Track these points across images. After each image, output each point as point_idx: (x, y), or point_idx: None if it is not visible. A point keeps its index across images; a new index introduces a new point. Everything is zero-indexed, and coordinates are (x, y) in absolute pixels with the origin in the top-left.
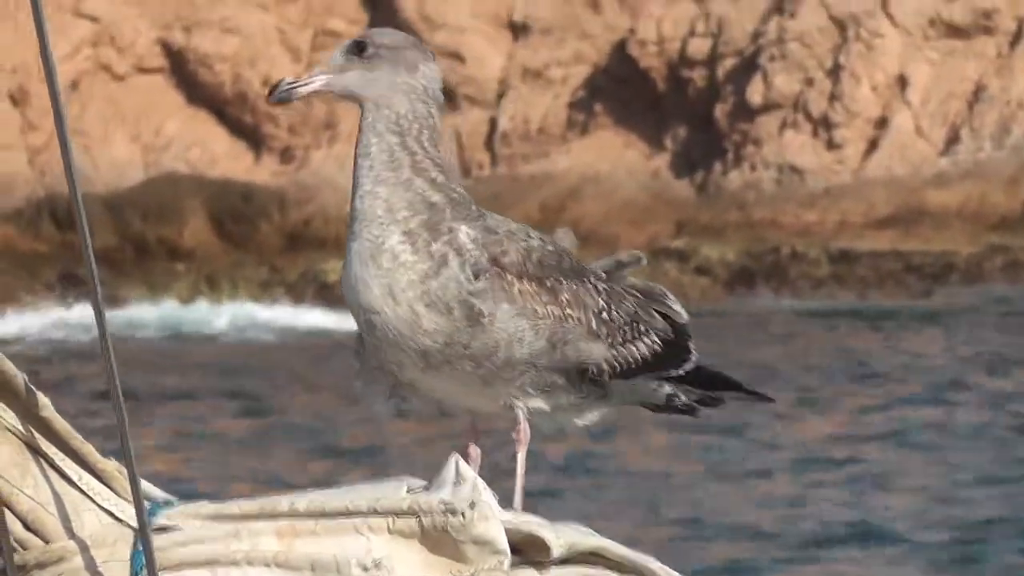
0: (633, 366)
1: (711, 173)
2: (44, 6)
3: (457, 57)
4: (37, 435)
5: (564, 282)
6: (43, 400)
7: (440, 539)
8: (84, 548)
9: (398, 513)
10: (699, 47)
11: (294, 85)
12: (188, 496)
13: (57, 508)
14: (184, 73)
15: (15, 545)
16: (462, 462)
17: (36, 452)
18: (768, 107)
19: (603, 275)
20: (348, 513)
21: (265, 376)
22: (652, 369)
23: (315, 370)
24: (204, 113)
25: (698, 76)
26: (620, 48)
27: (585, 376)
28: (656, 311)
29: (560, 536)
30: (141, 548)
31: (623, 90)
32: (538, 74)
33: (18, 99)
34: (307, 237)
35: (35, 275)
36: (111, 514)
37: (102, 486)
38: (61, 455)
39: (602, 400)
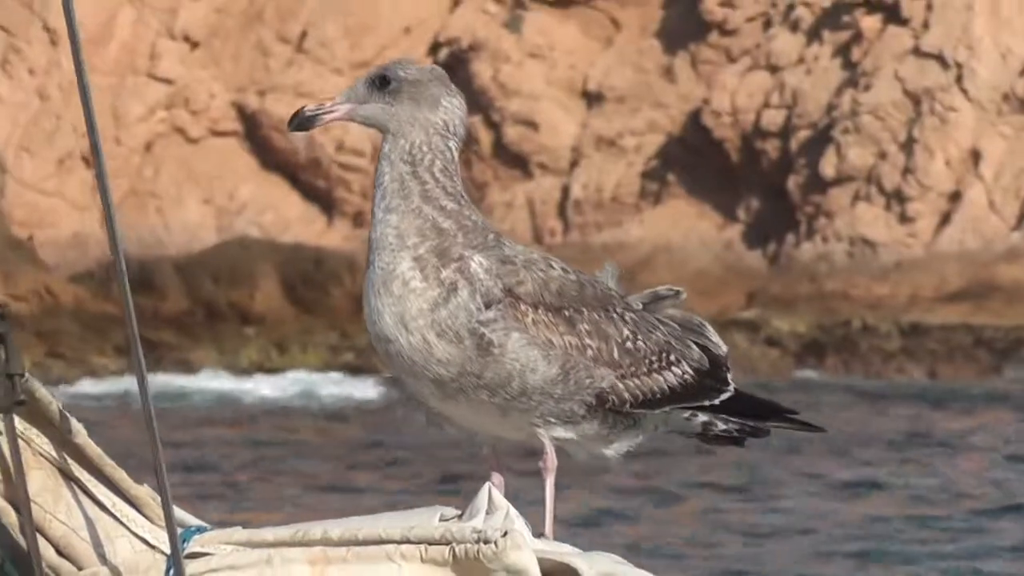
0: (659, 396)
1: (783, 244)
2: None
3: (531, 125)
4: (71, 461)
5: (584, 312)
6: (77, 426)
7: (473, 568)
8: (116, 574)
9: (431, 541)
10: (773, 118)
11: (316, 112)
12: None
13: (90, 534)
14: (258, 137)
15: (47, 571)
16: (495, 491)
17: (69, 478)
18: (841, 179)
19: (636, 306)
20: (381, 541)
21: (329, 447)
22: (682, 399)
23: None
24: (277, 177)
25: (771, 147)
26: (694, 118)
27: (604, 405)
28: (693, 342)
29: (593, 566)
30: (174, 574)
31: (696, 160)
32: (611, 143)
33: (90, 160)
34: None
35: (105, 337)
36: (144, 540)
37: (135, 512)
38: (94, 481)
39: (632, 429)
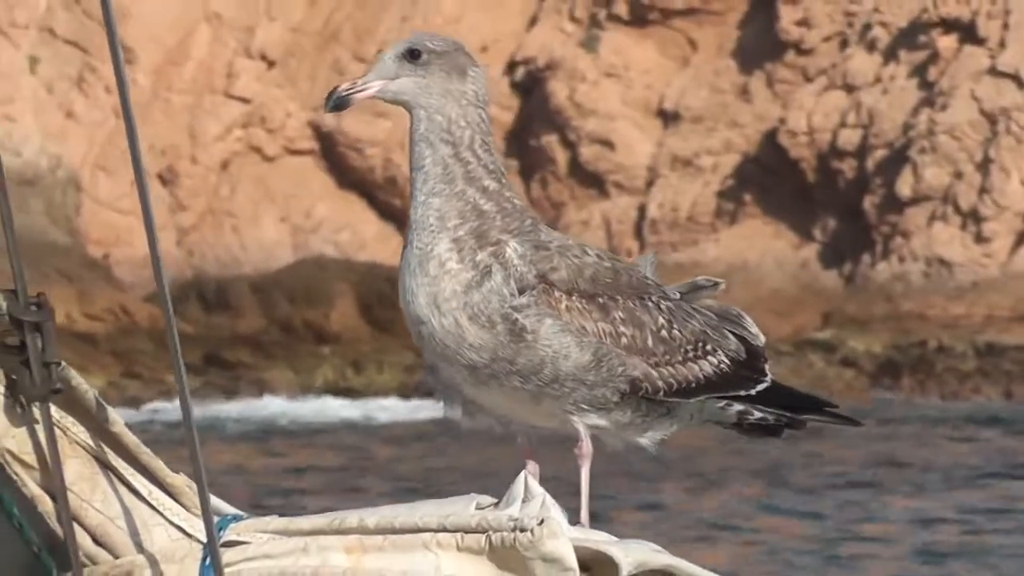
0: (694, 385)
1: (859, 265)
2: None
3: (607, 144)
4: (107, 449)
5: (619, 299)
6: (113, 415)
7: (509, 556)
8: (153, 562)
9: (467, 530)
10: (849, 138)
11: (350, 92)
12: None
13: (126, 522)
14: (334, 156)
15: (84, 559)
16: (531, 479)
17: (106, 467)
18: (917, 199)
19: (673, 294)
20: (417, 529)
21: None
22: (717, 388)
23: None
24: (353, 195)
25: (848, 167)
26: (770, 138)
27: (637, 392)
28: (731, 332)
29: (629, 554)
30: (210, 563)
31: (772, 180)
32: (688, 162)
33: (167, 179)
34: None
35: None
36: (180, 528)
37: (171, 501)
38: (131, 470)
39: (667, 418)
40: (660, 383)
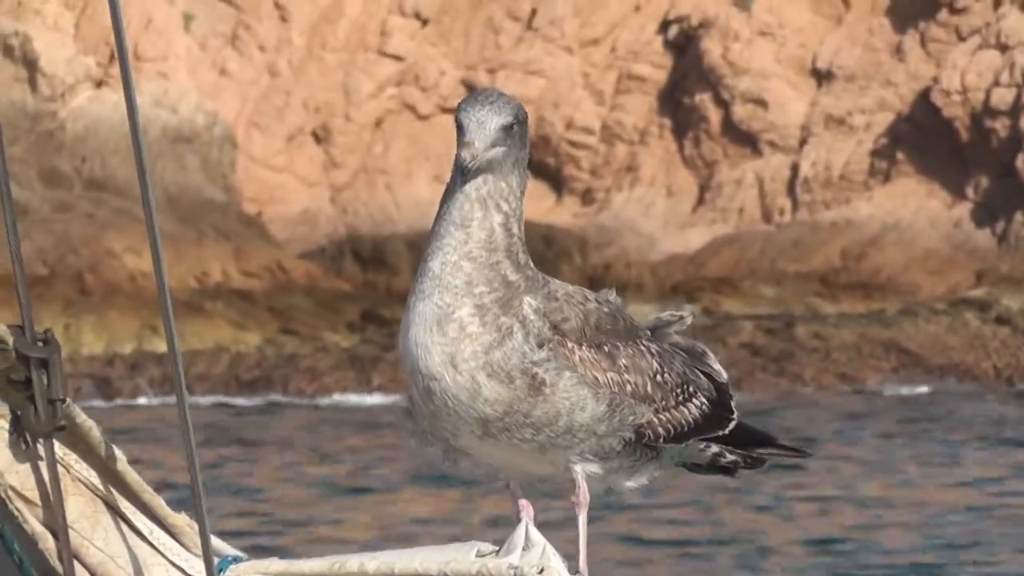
0: (685, 428)
1: (1012, 223)
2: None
3: (760, 103)
4: (110, 488)
5: (621, 347)
6: (117, 453)
7: None
8: None
9: None
10: (1003, 97)
11: (471, 165)
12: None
13: (127, 561)
14: None
15: None
16: (532, 527)
17: (108, 505)
18: None
19: (650, 334)
20: (417, 575)
21: None
22: (702, 430)
23: None
24: None
25: (1001, 126)
26: (924, 97)
27: (641, 440)
28: (699, 370)
29: None
30: None
31: (925, 138)
32: (841, 121)
33: (321, 137)
34: (608, 280)
35: (337, 313)
36: (180, 569)
37: (172, 540)
38: (132, 508)
39: (655, 461)
40: (660, 429)
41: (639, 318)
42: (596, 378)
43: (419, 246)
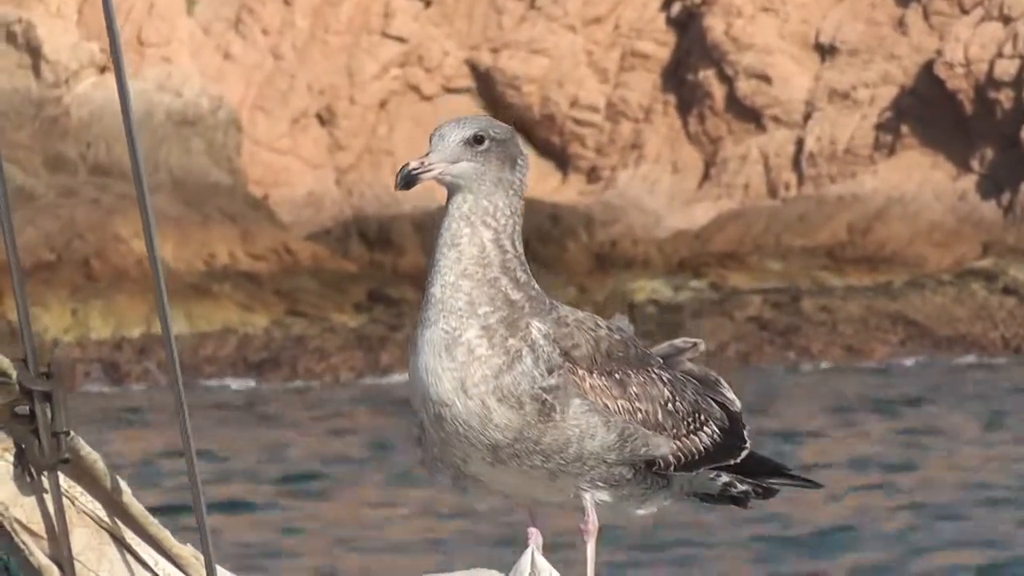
0: (696, 457)
1: (1018, 194)
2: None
3: (764, 78)
4: (115, 519)
5: (632, 375)
6: (122, 485)
7: None
8: None
9: None
10: (1006, 68)
11: (417, 172)
12: None
13: None
14: (491, 94)
15: None
16: (538, 554)
17: (113, 536)
18: None
19: (662, 362)
20: None
21: None
22: (713, 459)
23: None
24: None
25: (1005, 98)
26: (927, 69)
27: (652, 469)
28: (712, 399)
29: None
30: None
31: (930, 111)
32: (845, 95)
33: (325, 120)
34: (614, 257)
35: (344, 294)
36: None
37: (178, 572)
38: (138, 540)
39: (664, 490)
40: (671, 458)
41: (648, 293)
42: (607, 406)
43: (425, 226)
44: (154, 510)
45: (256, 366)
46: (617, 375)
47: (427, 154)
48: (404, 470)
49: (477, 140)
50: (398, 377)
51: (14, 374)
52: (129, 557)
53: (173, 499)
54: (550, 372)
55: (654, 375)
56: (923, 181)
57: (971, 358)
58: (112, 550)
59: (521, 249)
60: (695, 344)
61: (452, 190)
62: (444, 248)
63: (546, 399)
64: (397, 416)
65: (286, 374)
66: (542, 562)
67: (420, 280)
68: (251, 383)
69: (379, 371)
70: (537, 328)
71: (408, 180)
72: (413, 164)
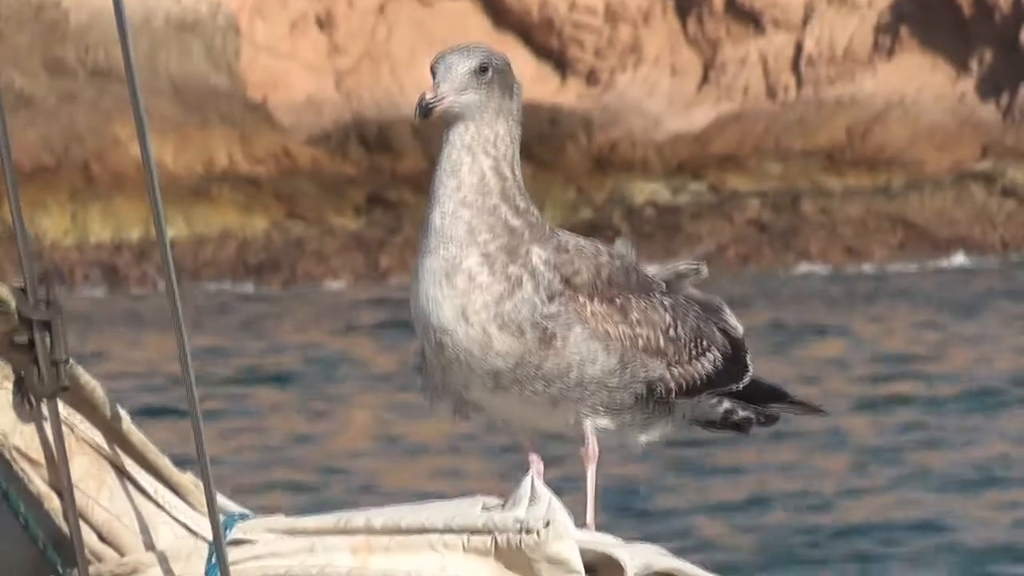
0: (698, 383)
1: (1017, 96)
2: None
3: None
4: (114, 447)
5: (633, 300)
6: (121, 413)
7: (514, 558)
8: (158, 561)
9: (473, 531)
10: None
11: (430, 103)
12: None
13: (132, 520)
14: None
15: (90, 556)
16: (538, 480)
17: (113, 464)
18: None
19: (664, 287)
20: (423, 530)
21: None
22: (715, 385)
23: None
24: (510, 37)
25: (1004, 0)
26: None
27: (653, 394)
28: (715, 325)
29: (635, 557)
30: (216, 561)
31: (929, 13)
32: None
33: (324, 23)
34: (613, 160)
35: (343, 197)
36: (186, 527)
37: (177, 499)
38: (137, 467)
39: (666, 417)
40: (672, 384)
41: (647, 196)
42: (607, 332)
43: (424, 129)
44: (154, 411)
45: (255, 269)
46: (618, 301)
47: (436, 84)
48: (404, 384)
49: (482, 70)
50: (396, 279)
51: (13, 303)
52: (129, 484)
53: (170, 401)
54: (551, 299)
55: (655, 301)
56: (922, 84)
57: (971, 260)
58: (112, 477)
59: (520, 175)
60: (698, 269)
61: (454, 119)
62: (443, 176)
63: (547, 326)
64: (396, 314)
65: (285, 277)
66: (542, 488)
67: (419, 184)
68: (250, 286)
69: (378, 274)
70: (538, 254)
71: (425, 111)
72: (428, 95)
